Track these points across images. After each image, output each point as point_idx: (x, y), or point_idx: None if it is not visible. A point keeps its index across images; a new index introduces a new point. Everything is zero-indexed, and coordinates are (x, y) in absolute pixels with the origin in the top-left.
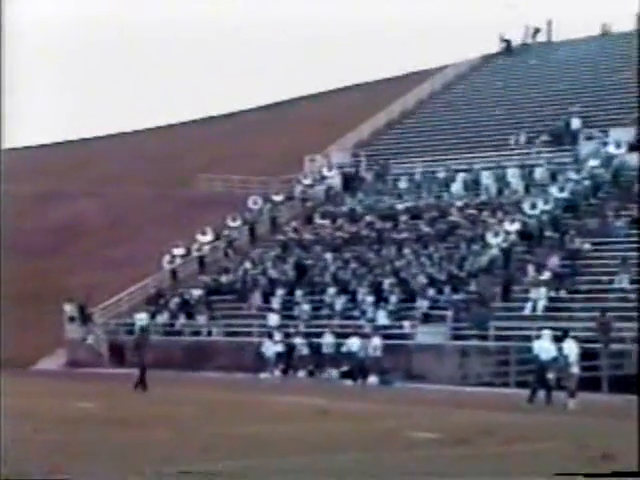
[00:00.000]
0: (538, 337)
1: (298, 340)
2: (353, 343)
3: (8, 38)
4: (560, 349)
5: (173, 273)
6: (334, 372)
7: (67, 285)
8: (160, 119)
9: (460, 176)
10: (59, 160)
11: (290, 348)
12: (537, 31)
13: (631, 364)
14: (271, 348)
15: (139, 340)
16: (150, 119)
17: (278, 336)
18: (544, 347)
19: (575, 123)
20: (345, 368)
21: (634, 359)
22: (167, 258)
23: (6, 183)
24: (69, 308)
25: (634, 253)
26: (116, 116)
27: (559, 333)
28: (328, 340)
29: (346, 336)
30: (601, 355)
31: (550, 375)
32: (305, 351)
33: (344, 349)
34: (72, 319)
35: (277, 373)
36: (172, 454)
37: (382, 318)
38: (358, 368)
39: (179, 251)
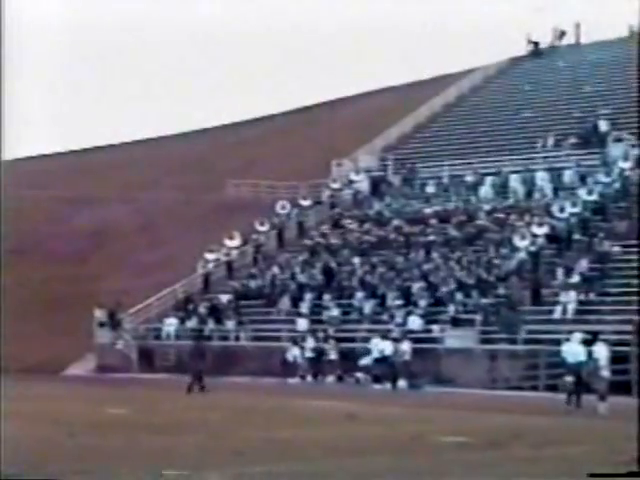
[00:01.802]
0: (567, 340)
1: (327, 345)
2: (385, 347)
3: (22, 42)
4: (590, 352)
5: (206, 278)
6: (363, 375)
7: (97, 290)
8: (190, 124)
9: (488, 179)
10: (89, 166)
11: (319, 353)
12: (563, 34)
13: None
14: (297, 354)
15: (197, 346)
16: (180, 124)
17: (310, 341)
18: (573, 350)
19: (604, 125)
20: (366, 362)
21: None
22: (201, 263)
23: (37, 189)
24: (99, 313)
25: None
26: (146, 122)
27: (589, 336)
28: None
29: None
30: (633, 358)
31: (571, 378)
32: (334, 356)
33: (375, 354)
34: (102, 324)
35: (306, 378)
36: (203, 459)
37: (413, 322)
38: (388, 372)
39: (212, 256)
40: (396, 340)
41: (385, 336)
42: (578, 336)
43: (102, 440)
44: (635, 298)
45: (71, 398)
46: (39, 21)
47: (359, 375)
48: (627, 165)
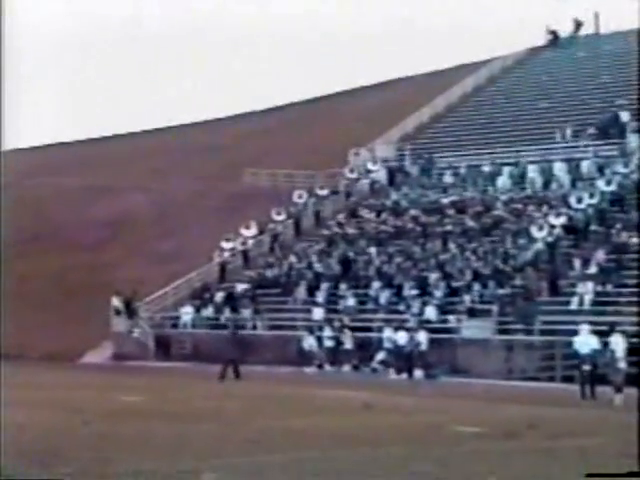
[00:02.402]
0: (578, 332)
1: (342, 334)
2: (401, 337)
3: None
4: (606, 343)
5: (222, 267)
6: (379, 365)
7: (114, 279)
8: (206, 113)
9: (506, 170)
10: (106, 154)
11: (336, 342)
12: (579, 25)
13: None
14: (312, 343)
15: (234, 335)
16: (197, 113)
17: (327, 330)
18: (584, 341)
19: (623, 116)
20: (382, 357)
21: None
22: (217, 252)
23: (54, 177)
24: (117, 301)
25: None
26: (163, 110)
27: (606, 328)
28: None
29: (395, 330)
30: None
31: (586, 367)
32: (349, 345)
33: (388, 345)
34: (118, 312)
35: (323, 367)
36: (219, 447)
37: (429, 312)
38: (404, 362)
39: (228, 245)
40: (412, 330)
41: (399, 327)
42: (587, 327)
43: (117, 428)
44: None
45: (87, 386)
46: (48, 11)
47: (375, 365)
48: None
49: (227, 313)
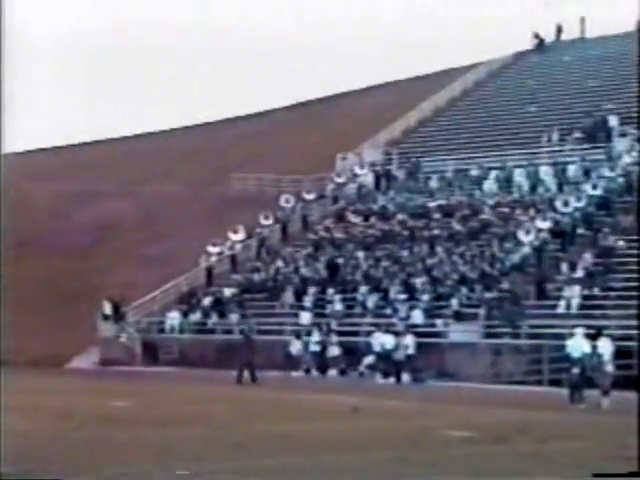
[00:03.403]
0: (571, 335)
1: (329, 339)
2: (387, 341)
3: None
4: (594, 347)
5: (209, 271)
6: (366, 370)
7: (101, 284)
8: (194, 118)
9: (492, 174)
10: (93, 160)
11: (323, 347)
12: (560, 30)
13: None
14: (300, 347)
15: (247, 340)
16: (184, 118)
17: (315, 334)
18: (577, 345)
19: (613, 120)
20: (370, 360)
21: None
22: (204, 256)
23: (41, 182)
24: (108, 306)
25: None
26: (150, 115)
27: (593, 331)
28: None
29: (382, 334)
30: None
31: (575, 370)
32: (337, 350)
33: (377, 348)
34: (106, 317)
35: (311, 372)
36: (207, 452)
37: (417, 316)
38: (392, 366)
39: (215, 249)
40: (399, 334)
41: (387, 330)
42: (581, 331)
43: (107, 433)
44: (638, 293)
45: (75, 391)
46: (41, 18)
47: (363, 369)
48: (631, 159)
49: (214, 318)
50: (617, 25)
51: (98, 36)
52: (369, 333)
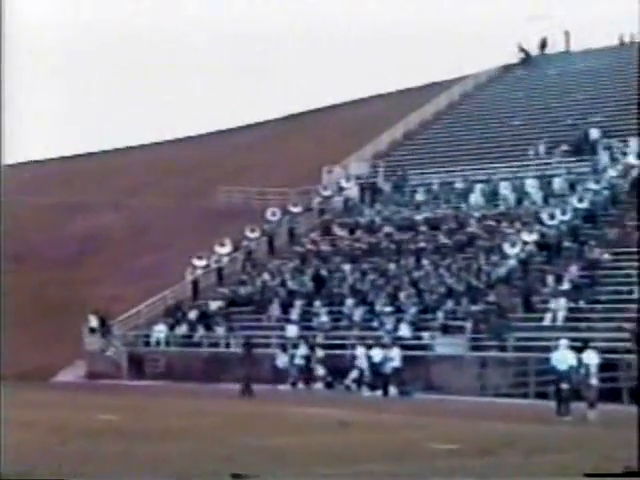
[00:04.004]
0: (556, 348)
1: (314, 355)
2: (375, 354)
3: (21, 48)
4: (580, 360)
5: (195, 285)
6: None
7: (88, 296)
8: (180, 131)
9: (478, 187)
10: (81, 172)
11: (309, 360)
12: (545, 44)
13: None
14: (286, 360)
15: (247, 353)
16: (171, 131)
17: (302, 348)
18: (562, 357)
19: (594, 133)
20: (356, 374)
21: None
22: (189, 269)
23: (29, 195)
24: (94, 319)
25: None
26: (137, 128)
27: (579, 344)
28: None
29: (368, 347)
30: (626, 366)
31: (564, 386)
32: (321, 371)
33: (361, 362)
34: (92, 330)
35: (297, 385)
36: (195, 465)
37: (403, 329)
38: (378, 379)
39: (201, 263)
40: (386, 347)
41: (370, 345)
42: (565, 342)
43: (95, 447)
44: (624, 306)
45: (62, 405)
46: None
47: (349, 382)
48: (616, 173)
49: (201, 331)
50: (601, 39)
51: (89, 49)
52: (354, 346)
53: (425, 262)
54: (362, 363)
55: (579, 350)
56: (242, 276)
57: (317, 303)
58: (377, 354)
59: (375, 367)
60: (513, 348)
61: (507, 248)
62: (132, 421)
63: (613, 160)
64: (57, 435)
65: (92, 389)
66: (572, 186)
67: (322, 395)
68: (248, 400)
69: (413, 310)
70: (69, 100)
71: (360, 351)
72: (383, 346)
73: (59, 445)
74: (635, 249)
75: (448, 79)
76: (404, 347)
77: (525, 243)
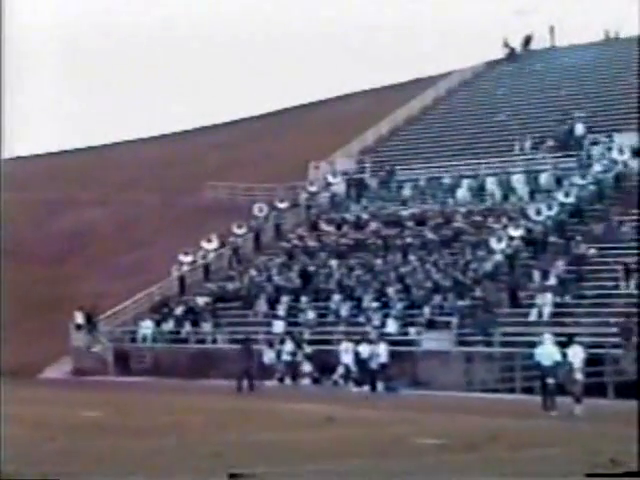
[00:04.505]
0: (540, 343)
1: (300, 350)
2: (362, 350)
3: (10, 45)
4: (565, 355)
5: (181, 280)
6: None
7: (74, 293)
8: (167, 127)
9: (465, 182)
10: (67, 168)
11: (296, 356)
12: (528, 41)
13: (636, 369)
14: (272, 356)
15: (246, 348)
16: (157, 127)
17: (288, 344)
18: (546, 352)
19: (579, 128)
20: (343, 370)
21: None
22: (175, 265)
23: (15, 191)
24: (79, 316)
25: None
26: (123, 124)
27: (564, 339)
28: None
29: (355, 343)
30: (613, 361)
31: (550, 380)
32: (308, 366)
33: (346, 357)
34: (79, 327)
35: (284, 381)
36: (183, 462)
37: (390, 325)
38: (366, 375)
39: (187, 258)
40: (372, 342)
41: (358, 340)
42: (549, 337)
43: (82, 443)
44: (610, 300)
45: (49, 402)
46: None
47: (336, 378)
48: (602, 168)
49: (187, 327)
50: (586, 34)
51: (74, 46)
52: (341, 342)
53: (412, 257)
54: (348, 359)
55: (564, 345)
56: (229, 272)
57: (304, 299)
58: (364, 350)
59: (362, 363)
60: (499, 343)
61: (493, 243)
62: (119, 417)
63: (599, 155)
64: (44, 431)
65: (78, 385)
66: (558, 181)
67: (309, 391)
68: (238, 396)
69: (400, 306)
70: (55, 96)
71: (346, 346)
72: (370, 342)
73: (46, 441)
74: (620, 244)
75: (434, 75)
76: (391, 343)
77: (511, 238)
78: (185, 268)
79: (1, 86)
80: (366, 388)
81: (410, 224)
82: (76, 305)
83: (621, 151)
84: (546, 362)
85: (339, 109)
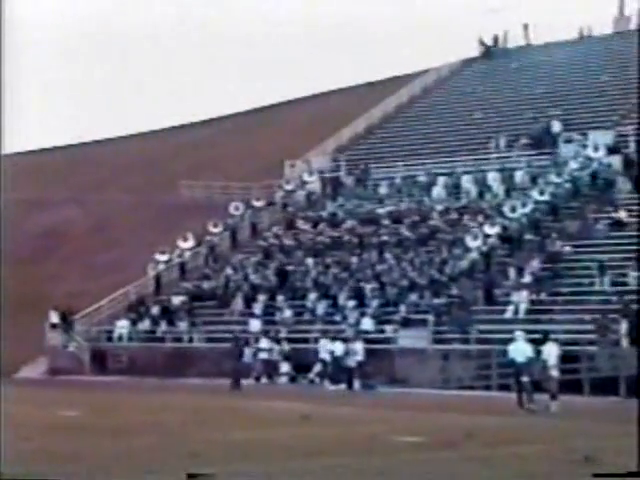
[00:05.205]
0: (513, 340)
1: (279, 346)
2: (336, 348)
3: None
4: (539, 352)
5: (157, 279)
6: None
7: (50, 292)
8: (141, 126)
9: (441, 180)
10: (41, 167)
11: (272, 354)
12: (497, 40)
13: (611, 366)
14: (249, 354)
15: (236, 347)
16: (132, 126)
17: (263, 342)
18: (519, 349)
19: (555, 126)
20: (319, 368)
21: (615, 362)
22: (151, 264)
23: None
24: (54, 315)
25: (615, 255)
26: (97, 123)
27: (540, 336)
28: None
29: (331, 340)
30: (588, 358)
31: (525, 378)
32: (286, 366)
33: (324, 355)
34: (54, 326)
35: (261, 379)
36: (160, 461)
37: (366, 323)
38: (342, 373)
39: (163, 257)
40: (349, 340)
41: (335, 337)
42: (522, 334)
43: (57, 443)
44: (585, 298)
45: (25, 401)
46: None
47: (313, 376)
48: (577, 165)
49: (163, 326)
50: (561, 33)
51: (51, 43)
52: (318, 340)
53: (388, 256)
54: (325, 357)
55: (539, 342)
56: (205, 271)
57: (280, 297)
58: (340, 348)
59: (338, 361)
60: (475, 340)
61: (469, 241)
62: (95, 417)
63: (574, 153)
64: (20, 431)
65: (55, 385)
66: (533, 179)
67: (286, 389)
68: (232, 394)
69: (376, 303)
70: (29, 95)
71: (323, 344)
72: (346, 340)
73: (21, 442)
74: (595, 241)
75: (409, 73)
76: (367, 340)
77: (487, 236)
78: (161, 267)
79: None
80: (343, 386)
81: (386, 222)
82: (51, 305)
83: (596, 149)
84: (520, 359)
85: (315, 107)
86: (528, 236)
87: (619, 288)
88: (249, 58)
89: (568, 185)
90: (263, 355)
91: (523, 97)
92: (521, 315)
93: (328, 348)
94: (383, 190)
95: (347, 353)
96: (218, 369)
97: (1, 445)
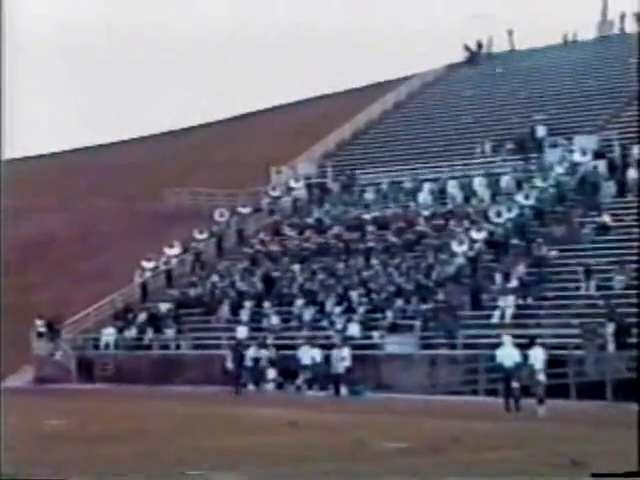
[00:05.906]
0: (500, 345)
1: (266, 352)
2: (315, 355)
3: None
4: (526, 356)
5: (143, 287)
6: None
7: (36, 300)
8: (128, 132)
9: (426, 186)
10: (28, 175)
11: (258, 361)
12: (480, 46)
13: (598, 370)
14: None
15: (237, 353)
16: (118, 132)
17: (251, 349)
18: (506, 354)
19: (540, 131)
20: (306, 376)
21: (602, 366)
22: (138, 272)
23: None
24: (39, 324)
25: (601, 259)
26: (83, 130)
27: (526, 341)
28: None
29: (318, 347)
30: (576, 362)
31: (515, 384)
32: (273, 373)
33: (306, 361)
34: (40, 335)
35: (247, 386)
36: (146, 468)
37: (353, 329)
38: (327, 378)
39: (149, 265)
40: (335, 346)
41: (314, 344)
42: (509, 339)
43: (43, 452)
44: (571, 302)
45: (10, 411)
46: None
47: (300, 382)
48: (562, 170)
49: (150, 334)
50: (545, 38)
51: (39, 53)
52: (298, 347)
53: (374, 261)
54: (305, 362)
55: (526, 347)
56: (191, 278)
57: (267, 304)
58: (320, 354)
59: (325, 367)
60: (462, 346)
61: (455, 246)
62: (82, 425)
63: (559, 158)
64: (6, 441)
65: (41, 394)
66: (519, 184)
67: (273, 396)
68: (235, 400)
69: (362, 310)
70: (15, 102)
71: (302, 351)
72: (331, 346)
73: (6, 451)
74: (581, 246)
75: (394, 78)
76: (354, 347)
77: (473, 241)
78: (147, 274)
79: None
80: (330, 392)
81: (372, 228)
82: (38, 313)
83: (584, 153)
84: (508, 363)
85: (300, 114)
86: (514, 241)
87: (605, 292)
88: (234, 65)
89: (553, 190)
90: (249, 362)
91: (508, 102)
92: (507, 320)
93: (309, 354)
94: (369, 196)
95: (330, 359)
96: (205, 376)
97: (1, 446)
